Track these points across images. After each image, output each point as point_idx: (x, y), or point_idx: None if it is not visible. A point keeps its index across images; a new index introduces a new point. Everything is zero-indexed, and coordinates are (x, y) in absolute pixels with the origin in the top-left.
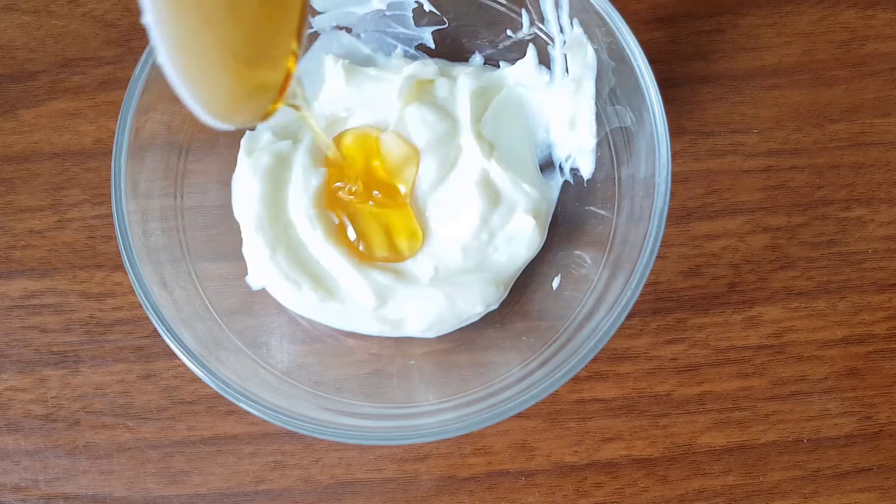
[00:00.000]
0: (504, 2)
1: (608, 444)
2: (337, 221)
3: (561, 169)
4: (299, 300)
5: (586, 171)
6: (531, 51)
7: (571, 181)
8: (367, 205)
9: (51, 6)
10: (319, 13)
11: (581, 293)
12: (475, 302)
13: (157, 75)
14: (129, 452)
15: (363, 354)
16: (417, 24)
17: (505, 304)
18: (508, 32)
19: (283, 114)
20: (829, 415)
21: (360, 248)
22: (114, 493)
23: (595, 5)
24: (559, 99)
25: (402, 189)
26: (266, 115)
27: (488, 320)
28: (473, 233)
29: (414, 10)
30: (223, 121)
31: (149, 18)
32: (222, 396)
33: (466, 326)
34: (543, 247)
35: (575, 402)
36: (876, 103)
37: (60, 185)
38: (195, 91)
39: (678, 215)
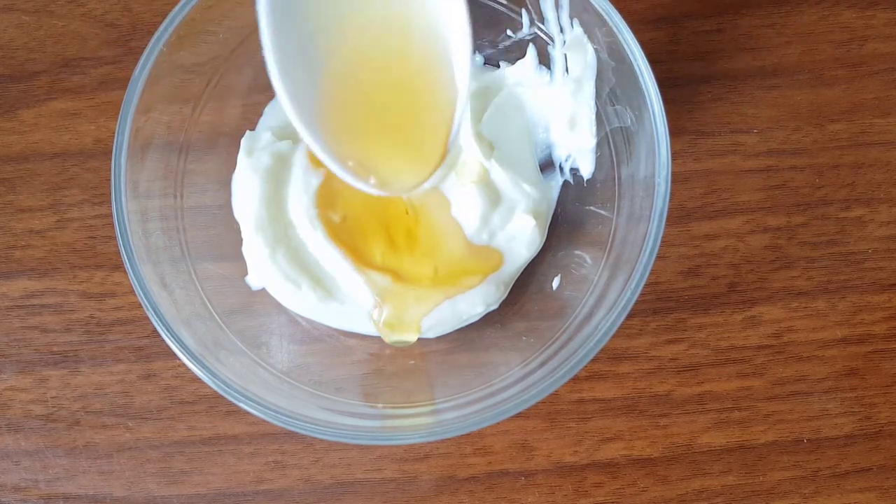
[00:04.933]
0: (504, 2)
1: (608, 444)
2: (337, 220)
3: (561, 169)
4: (299, 300)
5: (586, 171)
6: (531, 51)
7: (571, 181)
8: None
9: (51, 6)
10: None
11: (581, 293)
12: (475, 302)
13: (156, 75)
14: (129, 452)
15: (363, 354)
16: None
17: (505, 304)
18: (508, 32)
19: (280, 115)
20: (829, 415)
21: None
22: (114, 493)
23: (595, 5)
24: (559, 99)
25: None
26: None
27: (488, 320)
28: (473, 233)
29: None
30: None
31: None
32: (222, 396)
33: (466, 326)
34: (543, 247)
35: (575, 402)
36: (876, 103)
37: (60, 185)
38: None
39: (678, 215)
